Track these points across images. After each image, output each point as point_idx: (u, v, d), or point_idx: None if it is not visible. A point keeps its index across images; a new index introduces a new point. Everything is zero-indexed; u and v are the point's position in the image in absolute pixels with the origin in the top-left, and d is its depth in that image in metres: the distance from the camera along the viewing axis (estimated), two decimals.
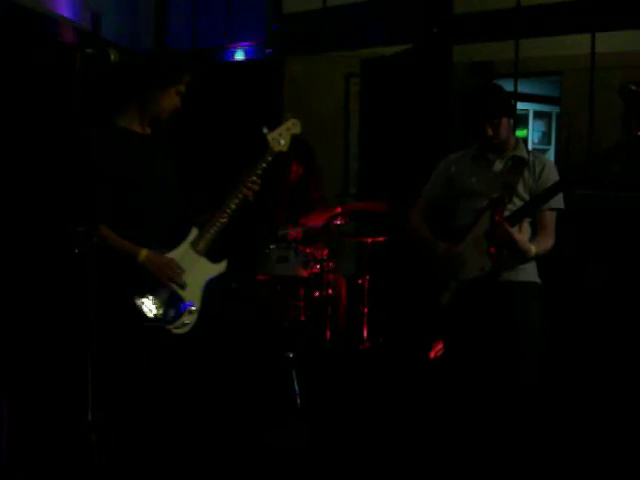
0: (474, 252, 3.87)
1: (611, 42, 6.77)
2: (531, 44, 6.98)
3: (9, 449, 3.42)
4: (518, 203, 3.89)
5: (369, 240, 6.13)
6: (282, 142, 3.71)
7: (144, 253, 3.33)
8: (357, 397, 5.22)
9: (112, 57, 2.89)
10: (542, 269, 4.01)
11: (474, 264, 3.87)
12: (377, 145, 7.40)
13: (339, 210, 5.88)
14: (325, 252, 5.78)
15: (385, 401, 5.13)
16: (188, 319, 3.43)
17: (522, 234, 3.79)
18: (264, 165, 3.65)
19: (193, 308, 3.45)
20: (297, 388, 5.09)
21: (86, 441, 2.68)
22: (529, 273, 3.96)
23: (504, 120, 3.89)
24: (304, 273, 5.59)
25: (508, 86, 6.85)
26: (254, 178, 3.62)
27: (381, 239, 6.11)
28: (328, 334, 5.77)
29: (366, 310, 6.13)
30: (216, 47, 8.08)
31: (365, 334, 6.12)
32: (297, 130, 3.81)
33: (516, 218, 3.81)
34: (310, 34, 7.65)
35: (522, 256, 3.81)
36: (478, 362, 3.89)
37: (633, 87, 4.01)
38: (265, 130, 3.68)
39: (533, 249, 3.79)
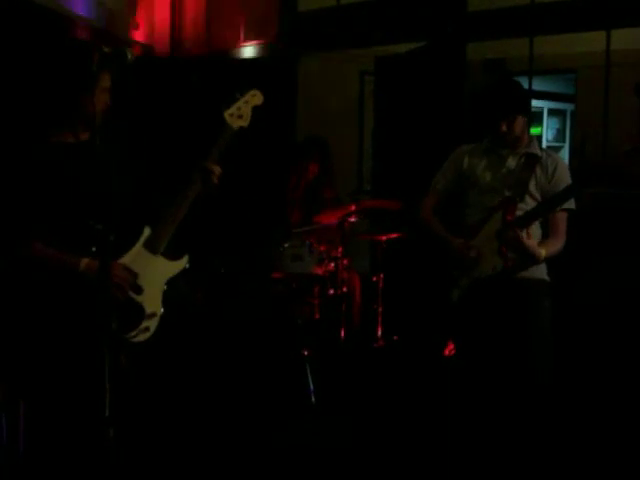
0: (485, 251, 3.88)
1: (626, 39, 6.74)
2: (545, 41, 6.97)
3: (26, 445, 3.44)
4: (529, 201, 3.88)
5: (383, 238, 6.12)
6: (242, 117, 3.42)
7: (85, 262, 3.10)
8: (371, 395, 5.23)
9: (129, 56, 2.88)
10: (557, 269, 4.01)
11: (486, 263, 3.87)
12: (391, 143, 7.40)
13: (353, 208, 5.87)
14: (339, 250, 5.77)
15: (399, 399, 5.13)
16: (149, 323, 3.22)
17: (531, 239, 3.79)
18: (222, 146, 3.38)
19: (155, 311, 3.24)
20: (312, 386, 5.09)
21: (104, 436, 2.68)
22: (539, 271, 3.96)
23: (519, 117, 3.88)
24: (318, 271, 5.60)
25: (522, 83, 6.84)
26: (211, 163, 3.33)
27: (395, 237, 6.11)
28: (342, 332, 5.77)
29: (380, 308, 6.13)
30: (230, 45, 8.08)
31: (379, 332, 6.12)
32: (258, 101, 3.47)
33: (528, 220, 3.80)
34: (324, 32, 7.65)
35: (532, 260, 3.81)
36: (488, 359, 3.89)
37: None
38: (223, 107, 3.41)
39: (543, 252, 3.80)
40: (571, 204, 3.90)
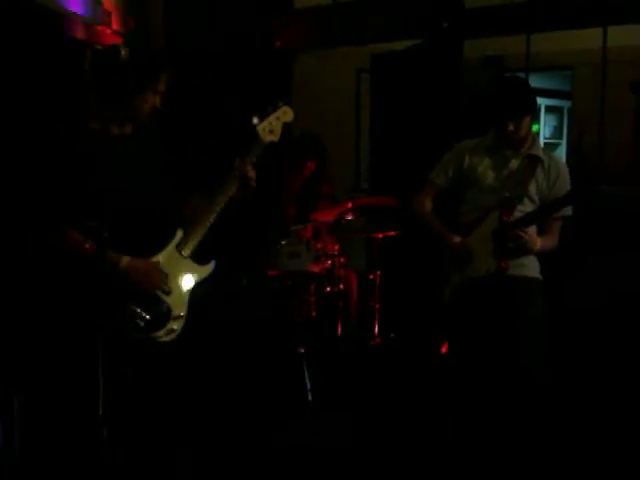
0: (480, 250, 3.86)
1: (623, 36, 6.75)
2: (542, 38, 6.97)
3: (21, 444, 3.44)
4: (527, 204, 3.87)
5: (380, 235, 6.12)
6: (273, 132, 3.51)
7: (126, 260, 3.14)
8: (369, 393, 5.22)
9: (122, 53, 2.88)
10: (550, 268, 4.01)
11: (480, 263, 3.86)
12: (388, 140, 7.39)
13: (350, 205, 5.87)
14: (336, 247, 5.77)
15: (396, 397, 5.13)
16: (175, 325, 3.26)
17: (528, 233, 3.78)
18: (254, 158, 3.47)
19: (182, 314, 3.29)
20: (309, 384, 5.09)
21: (97, 436, 2.68)
22: (531, 269, 3.95)
23: (526, 118, 3.84)
24: (315, 269, 5.59)
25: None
26: (248, 167, 3.43)
27: (392, 234, 6.10)
28: (339, 330, 5.77)
29: (377, 305, 6.13)
30: (226, 42, 8.06)
31: (376, 329, 6.12)
32: (289, 118, 3.58)
33: (524, 223, 3.79)
34: (320, 29, 7.63)
35: (527, 252, 3.82)
36: (481, 357, 3.87)
37: None
38: (255, 120, 3.49)
39: (538, 242, 3.80)
40: (568, 210, 3.89)
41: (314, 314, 5.64)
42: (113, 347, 2.95)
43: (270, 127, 3.50)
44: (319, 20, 7.58)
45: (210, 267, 3.44)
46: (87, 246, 3.07)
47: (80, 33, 6.08)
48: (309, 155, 6.18)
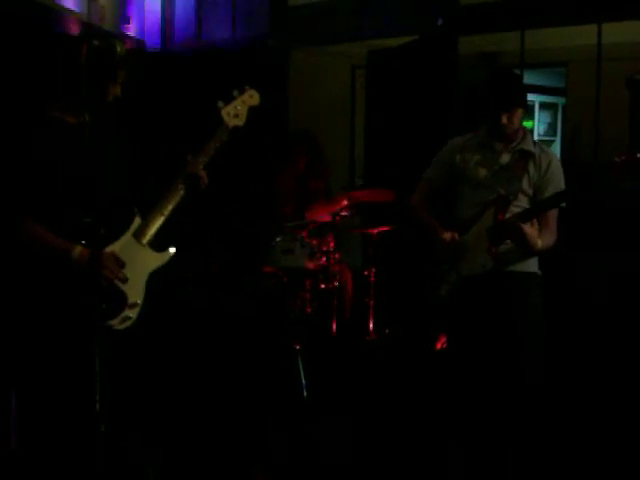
0: (475, 248, 3.85)
1: (617, 33, 6.76)
2: (537, 35, 6.98)
3: (18, 438, 3.44)
4: (521, 198, 3.86)
5: (375, 232, 6.13)
6: (238, 116, 3.46)
7: (78, 249, 3.10)
8: (363, 389, 5.23)
9: (118, 49, 2.88)
10: (549, 263, 4.01)
11: (475, 261, 3.85)
12: (383, 137, 7.40)
13: (345, 202, 5.87)
14: (331, 244, 5.77)
15: (391, 393, 5.14)
16: (130, 313, 3.22)
17: (532, 228, 3.76)
18: (217, 144, 3.41)
19: (138, 301, 3.24)
20: (304, 380, 5.09)
21: (94, 432, 2.68)
22: (529, 264, 3.94)
23: (519, 110, 3.86)
24: (310, 265, 5.59)
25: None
26: (205, 159, 3.37)
27: (387, 230, 6.11)
28: (334, 326, 5.77)
29: (372, 302, 6.13)
30: (222, 39, 8.07)
31: (371, 326, 6.13)
32: (255, 102, 3.52)
33: (522, 219, 3.78)
34: (316, 26, 7.64)
35: (528, 250, 3.79)
36: (478, 354, 3.87)
37: (638, 77, 3.97)
38: (220, 104, 3.44)
39: (539, 243, 3.78)
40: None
41: (309, 310, 5.65)
42: (73, 337, 2.95)
43: (235, 111, 3.46)
44: (314, 16, 7.59)
45: (168, 254, 3.37)
46: (46, 235, 3.07)
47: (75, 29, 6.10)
48: (299, 152, 6.19)
